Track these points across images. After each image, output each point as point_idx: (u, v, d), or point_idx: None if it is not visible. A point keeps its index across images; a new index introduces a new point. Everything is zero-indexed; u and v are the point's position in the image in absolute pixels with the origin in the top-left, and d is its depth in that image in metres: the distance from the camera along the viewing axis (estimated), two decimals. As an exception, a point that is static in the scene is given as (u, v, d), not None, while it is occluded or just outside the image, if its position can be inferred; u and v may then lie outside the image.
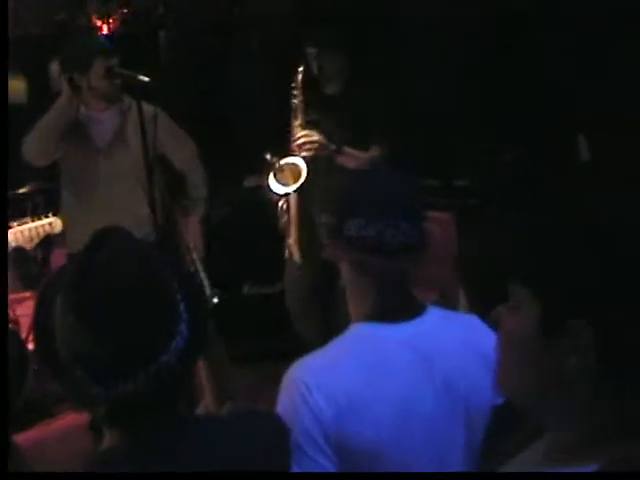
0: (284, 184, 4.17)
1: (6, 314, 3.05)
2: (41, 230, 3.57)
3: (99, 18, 6.78)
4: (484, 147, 5.33)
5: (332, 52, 4.35)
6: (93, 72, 4.16)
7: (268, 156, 4.12)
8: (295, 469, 1.68)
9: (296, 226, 4.24)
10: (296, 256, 4.30)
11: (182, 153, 4.48)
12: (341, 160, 4.21)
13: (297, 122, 4.27)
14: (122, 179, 4.26)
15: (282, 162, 4.16)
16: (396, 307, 1.87)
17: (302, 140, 4.15)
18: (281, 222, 4.39)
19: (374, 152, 4.30)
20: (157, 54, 7.08)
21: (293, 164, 4.15)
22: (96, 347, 1.31)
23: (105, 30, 6.83)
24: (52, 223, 3.61)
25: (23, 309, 5.31)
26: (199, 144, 4.64)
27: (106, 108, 4.29)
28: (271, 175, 4.14)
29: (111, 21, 6.84)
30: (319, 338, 4.35)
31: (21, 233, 3.52)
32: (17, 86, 7.92)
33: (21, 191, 5.07)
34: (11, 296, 5.08)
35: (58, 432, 4.69)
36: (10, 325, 4.83)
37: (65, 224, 4.44)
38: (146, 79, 3.78)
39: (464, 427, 1.79)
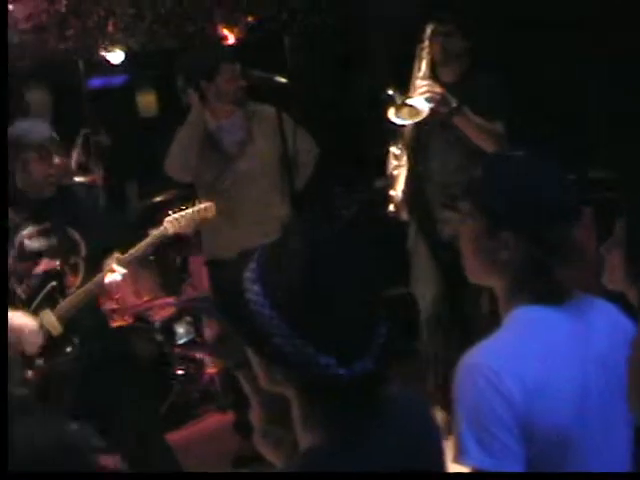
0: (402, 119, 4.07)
1: (6, 314, 3.12)
2: (197, 216, 3.67)
3: (226, 27, 6.91)
4: (622, 136, 5.15)
5: (457, 36, 4.25)
6: (220, 77, 4.24)
7: (390, 91, 4.05)
8: (483, 455, 1.68)
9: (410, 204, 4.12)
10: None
11: (307, 156, 4.48)
12: (458, 121, 4.07)
13: (420, 73, 4.16)
14: (255, 182, 4.32)
15: (405, 100, 4.04)
16: (556, 290, 1.85)
17: (424, 89, 4.01)
18: (396, 199, 4.30)
19: (498, 127, 4.15)
20: (282, 60, 7.17)
21: (414, 104, 4.02)
22: (338, 327, 1.34)
23: (232, 39, 6.95)
24: (207, 208, 3.70)
25: (165, 314, 5.47)
26: (324, 147, 4.65)
27: (232, 114, 4.36)
28: (392, 109, 4.02)
29: (237, 30, 6.96)
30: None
31: (177, 220, 3.62)
32: (148, 100, 8.17)
33: (160, 199, 5.22)
34: (154, 302, 5.25)
35: (204, 433, 4.82)
36: (154, 331, 4.99)
37: (201, 231, 4.55)
38: (283, 80, 3.84)
39: (624, 403, 1.75)
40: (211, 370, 5.24)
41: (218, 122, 4.35)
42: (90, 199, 3.89)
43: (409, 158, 4.27)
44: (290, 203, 4.24)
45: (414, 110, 4.02)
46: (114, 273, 3.54)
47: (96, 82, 7.41)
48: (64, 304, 3.57)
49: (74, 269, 3.64)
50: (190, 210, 3.68)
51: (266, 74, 4.01)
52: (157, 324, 4.98)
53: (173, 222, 3.63)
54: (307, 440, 1.44)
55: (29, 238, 3.59)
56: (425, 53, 4.18)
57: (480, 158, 3.90)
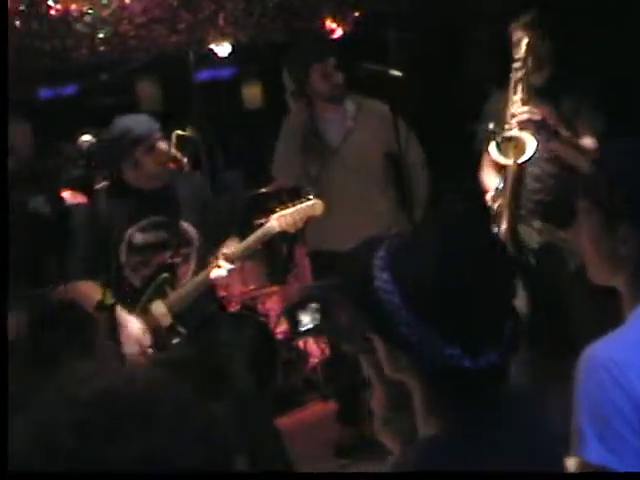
0: (506, 156, 3.92)
1: (6, 314, 3.11)
2: (304, 213, 3.65)
3: (333, 21, 6.95)
4: None
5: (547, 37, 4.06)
6: (314, 74, 4.26)
7: (491, 125, 3.98)
8: (604, 451, 1.67)
9: (509, 211, 4.01)
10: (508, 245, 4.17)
11: (411, 153, 4.42)
12: (554, 145, 3.94)
13: (517, 96, 3.99)
14: (357, 175, 4.32)
15: (508, 134, 3.89)
16: None
17: (525, 116, 3.83)
18: (494, 208, 4.15)
19: (588, 141, 4.01)
20: (387, 55, 7.17)
21: (519, 137, 3.86)
22: (465, 318, 1.35)
23: (338, 33, 6.99)
24: (315, 205, 3.68)
25: (272, 303, 5.56)
26: (428, 143, 4.60)
27: (335, 108, 4.37)
28: (493, 143, 3.91)
29: (344, 24, 6.99)
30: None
31: (284, 217, 3.62)
32: (254, 92, 8.29)
33: (266, 190, 5.28)
34: (261, 290, 5.34)
35: (306, 421, 4.89)
36: (260, 318, 5.07)
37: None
38: (398, 74, 3.82)
39: None
40: (314, 359, 5.30)
41: (322, 115, 4.38)
42: (200, 191, 3.87)
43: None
44: (394, 200, 4.25)
45: (519, 145, 3.87)
46: (220, 269, 3.58)
47: (204, 75, 7.56)
48: (174, 296, 3.63)
49: (186, 260, 3.69)
50: (297, 207, 3.66)
51: (381, 66, 4.01)
52: (272, 312, 5.06)
53: (280, 219, 3.62)
54: (427, 429, 1.45)
55: (141, 231, 3.65)
56: (521, 74, 3.98)
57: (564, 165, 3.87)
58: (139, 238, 3.64)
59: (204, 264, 3.67)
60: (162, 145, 3.63)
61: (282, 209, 3.65)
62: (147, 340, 3.56)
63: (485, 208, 4.08)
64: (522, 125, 3.85)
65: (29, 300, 3.92)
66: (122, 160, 3.61)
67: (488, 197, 4.13)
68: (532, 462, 1.42)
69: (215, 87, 7.75)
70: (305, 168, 4.35)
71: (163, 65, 7.03)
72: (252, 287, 5.29)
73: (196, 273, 3.67)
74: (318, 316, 3.26)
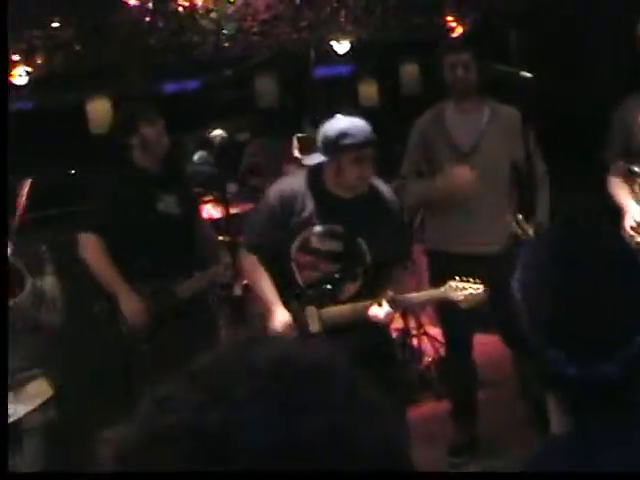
0: None
1: (6, 314, 3.11)
2: (479, 297, 3.43)
3: (454, 19, 6.94)
4: None
5: None
6: (446, 70, 4.21)
7: (637, 168, 3.81)
8: None
9: None
10: None
11: (538, 164, 4.25)
12: None
13: None
14: (484, 182, 4.18)
15: None
16: None
17: None
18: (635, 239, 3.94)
19: None
20: (508, 53, 7.10)
21: None
22: (578, 325, 1.33)
23: (458, 31, 6.97)
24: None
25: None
26: (553, 151, 4.48)
27: (470, 111, 4.26)
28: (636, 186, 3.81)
29: (465, 22, 6.97)
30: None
31: (461, 291, 3.47)
32: (368, 90, 8.32)
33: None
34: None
35: (419, 418, 4.90)
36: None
37: (425, 220, 4.59)
38: (529, 75, 3.72)
39: None
40: (428, 358, 5.31)
41: (455, 117, 4.29)
42: (388, 207, 3.66)
43: None
44: (518, 210, 4.17)
45: None
46: (380, 308, 3.46)
47: (322, 72, 7.64)
48: (331, 310, 3.57)
49: (353, 278, 3.61)
50: (475, 286, 3.47)
51: (511, 68, 3.93)
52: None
53: (457, 293, 3.49)
54: (559, 428, 1.42)
55: (318, 236, 3.55)
56: None
57: None
58: (316, 242, 3.56)
59: (369, 286, 3.59)
60: (369, 161, 3.44)
61: (461, 281, 3.50)
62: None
63: (613, 221, 3.97)
64: None
65: (155, 296, 4.01)
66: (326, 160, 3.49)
67: (628, 224, 3.99)
68: None
69: (332, 84, 7.81)
70: (435, 166, 4.27)
71: (283, 62, 7.14)
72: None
73: (359, 293, 3.59)
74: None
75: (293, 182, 3.64)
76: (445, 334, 4.62)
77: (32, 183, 3.58)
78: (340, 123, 3.45)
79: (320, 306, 3.58)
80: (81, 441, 4.22)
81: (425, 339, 5.39)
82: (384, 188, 3.68)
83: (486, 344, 4.58)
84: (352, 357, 0.81)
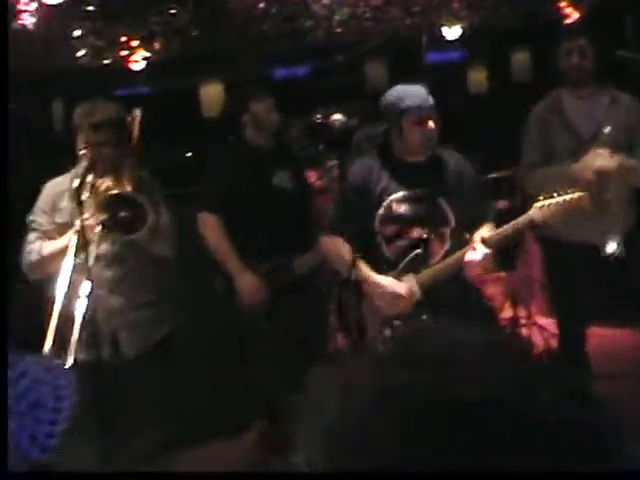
0: None
1: (6, 313, 3.08)
2: (568, 205, 3.45)
3: (568, 5, 6.79)
4: None
5: None
6: (566, 48, 4.11)
7: None
8: None
9: None
10: None
11: None
12: None
13: None
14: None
15: None
16: None
17: None
18: None
19: None
20: (626, 38, 6.91)
21: None
22: None
23: (574, 16, 6.82)
24: (581, 198, 3.44)
25: (496, 288, 5.53)
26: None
27: (591, 97, 4.16)
28: None
29: (579, 7, 6.81)
30: None
31: (548, 208, 3.46)
32: (478, 76, 8.23)
33: (502, 174, 5.23)
34: (487, 276, 5.31)
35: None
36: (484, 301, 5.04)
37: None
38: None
39: None
40: (538, 349, 5.23)
41: (574, 104, 4.20)
42: (460, 168, 3.68)
43: None
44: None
45: None
46: (475, 252, 3.46)
47: (433, 57, 7.59)
48: (427, 272, 3.57)
49: (441, 238, 3.62)
50: (562, 198, 3.42)
51: (630, 53, 3.82)
52: (497, 298, 5.00)
53: (543, 209, 3.41)
54: None
55: (398, 203, 3.59)
56: None
57: None
58: (399, 208, 3.60)
59: (458, 245, 3.63)
60: (431, 123, 3.51)
61: (546, 198, 3.43)
62: (409, 301, 3.57)
63: None
64: None
65: (272, 273, 4.08)
66: (390, 128, 3.60)
67: None
68: None
69: (443, 70, 7.75)
70: (554, 154, 4.19)
71: (395, 47, 7.12)
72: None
73: (448, 253, 3.59)
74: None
75: (366, 158, 3.73)
76: (559, 324, 4.54)
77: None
78: (399, 89, 3.54)
79: (416, 272, 3.57)
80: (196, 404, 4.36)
81: (535, 329, 5.32)
82: (451, 152, 3.71)
83: (602, 336, 4.49)
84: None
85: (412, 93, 3.51)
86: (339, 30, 6.41)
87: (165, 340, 3.50)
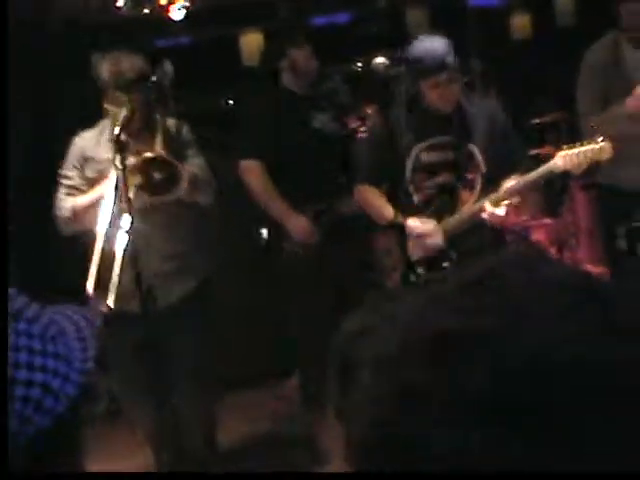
0: None
1: (6, 312, 3.04)
2: (591, 155, 3.45)
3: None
4: None
5: None
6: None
7: None
8: None
9: None
10: None
11: None
12: None
13: None
14: None
15: None
16: None
17: None
18: None
19: None
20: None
21: None
22: None
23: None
24: (604, 148, 3.45)
25: (541, 235, 5.47)
26: None
27: None
28: None
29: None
30: None
31: (570, 157, 3.45)
32: (521, 21, 8.06)
33: (545, 120, 5.15)
34: (532, 222, 5.27)
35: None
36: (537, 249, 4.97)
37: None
38: None
39: None
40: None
41: (636, 56, 4.01)
42: (494, 116, 3.68)
43: None
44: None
45: None
46: (497, 207, 3.48)
47: (475, 2, 7.45)
48: (451, 220, 3.60)
49: (470, 185, 3.63)
50: (585, 147, 3.43)
51: None
52: (541, 245, 4.92)
53: (565, 158, 3.41)
54: None
55: (426, 150, 3.61)
56: None
57: None
58: (426, 156, 3.62)
59: (489, 191, 3.60)
60: (449, 85, 3.48)
61: (569, 148, 3.44)
62: (439, 239, 3.58)
63: None
64: None
65: (319, 215, 4.07)
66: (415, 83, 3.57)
67: None
68: None
69: (486, 16, 7.59)
70: (605, 102, 4.06)
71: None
72: (524, 217, 5.21)
73: (479, 199, 3.60)
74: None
75: (393, 108, 3.74)
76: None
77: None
78: (419, 47, 3.50)
79: (439, 219, 3.60)
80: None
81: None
82: (483, 100, 3.82)
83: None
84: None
85: (430, 54, 3.44)
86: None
87: (200, 289, 3.51)
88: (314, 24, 7.21)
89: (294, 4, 6.73)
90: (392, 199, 3.68)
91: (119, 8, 6.06)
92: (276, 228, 4.05)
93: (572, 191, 5.23)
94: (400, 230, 3.64)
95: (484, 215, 3.52)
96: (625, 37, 4.02)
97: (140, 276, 3.12)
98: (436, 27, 7.42)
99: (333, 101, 4.49)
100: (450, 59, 3.45)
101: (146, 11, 6.22)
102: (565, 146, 3.45)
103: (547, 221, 5.23)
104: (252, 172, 4.07)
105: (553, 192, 5.20)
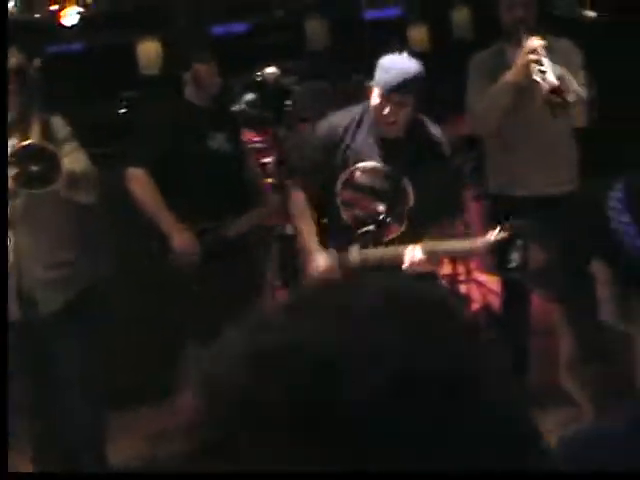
0: None
1: (6, 309, 3.08)
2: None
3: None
4: None
5: None
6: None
7: None
8: None
9: None
10: None
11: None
12: None
13: None
14: (545, 123, 4.10)
15: None
16: None
17: None
18: None
19: None
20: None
21: None
22: None
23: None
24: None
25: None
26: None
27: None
28: None
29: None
30: None
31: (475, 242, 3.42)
32: (418, 34, 8.17)
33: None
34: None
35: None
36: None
37: (487, 165, 4.45)
38: (592, 14, 3.63)
39: None
40: (476, 305, 5.28)
41: (512, 54, 4.16)
42: (427, 150, 3.56)
43: None
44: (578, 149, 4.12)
45: None
46: (415, 254, 3.29)
47: (372, 14, 7.52)
48: (373, 251, 3.48)
49: (398, 219, 3.56)
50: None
51: (572, 5, 3.81)
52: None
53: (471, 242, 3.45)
54: None
55: (363, 172, 3.53)
56: None
57: None
58: (360, 178, 3.54)
59: (416, 229, 3.49)
60: (399, 107, 3.34)
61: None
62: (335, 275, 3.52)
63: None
64: None
65: (203, 235, 4.01)
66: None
67: None
68: None
69: (383, 27, 7.67)
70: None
71: (333, 3, 7.03)
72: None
73: (404, 235, 3.50)
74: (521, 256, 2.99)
75: (344, 116, 3.61)
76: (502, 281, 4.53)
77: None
78: (383, 63, 3.38)
79: (363, 246, 3.51)
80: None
81: (473, 285, 5.36)
82: (434, 131, 3.61)
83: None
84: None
85: (389, 74, 3.32)
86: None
87: (83, 296, 3.44)
88: (212, 33, 7.17)
89: (192, 13, 6.68)
90: (322, 206, 3.63)
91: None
92: (163, 239, 3.98)
93: (464, 202, 5.32)
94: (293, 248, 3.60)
95: (412, 264, 3.32)
96: (509, 44, 4.14)
97: (21, 283, 3.05)
98: (333, 39, 7.52)
99: (232, 116, 4.46)
100: (410, 82, 3.33)
101: (37, 16, 6.07)
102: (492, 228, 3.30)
103: (441, 232, 5.29)
104: (138, 181, 3.98)
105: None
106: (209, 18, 6.86)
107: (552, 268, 1.78)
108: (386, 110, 3.36)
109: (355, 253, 3.49)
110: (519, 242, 1.76)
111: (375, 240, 3.53)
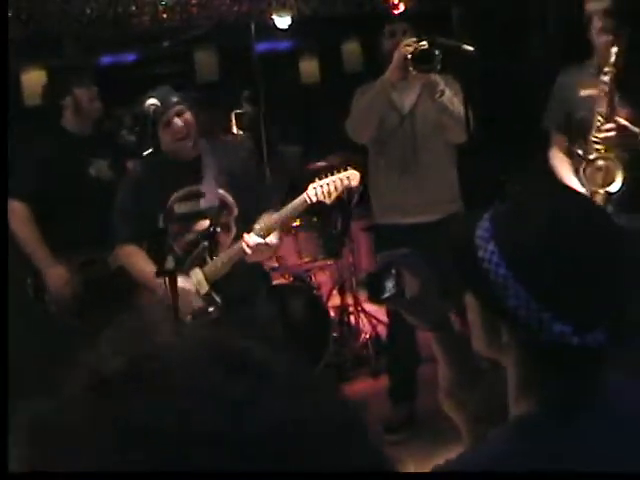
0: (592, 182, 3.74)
1: (6, 313, 3.06)
2: (339, 183, 3.53)
3: (396, -4, 6.87)
4: None
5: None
6: (389, 32, 4.24)
7: (581, 151, 3.77)
8: None
9: None
10: None
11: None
12: None
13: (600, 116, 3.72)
14: (427, 144, 4.24)
15: (597, 162, 3.70)
16: None
17: (611, 133, 3.66)
18: None
19: None
20: (449, 31, 7.09)
21: (607, 166, 3.70)
22: (582, 295, 1.29)
23: (401, 8, 6.92)
24: (351, 176, 3.55)
25: (324, 276, 5.55)
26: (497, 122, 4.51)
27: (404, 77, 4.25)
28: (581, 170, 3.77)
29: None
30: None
31: (320, 188, 3.51)
32: (311, 66, 8.24)
33: (323, 164, 5.22)
34: (314, 264, 5.33)
35: (354, 397, 4.87)
36: (314, 292, 5.06)
37: (372, 192, 4.51)
38: (470, 48, 3.74)
39: None
40: (365, 335, 5.29)
41: (395, 83, 4.26)
42: (243, 160, 3.74)
43: None
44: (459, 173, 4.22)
45: (608, 172, 3.71)
46: (249, 241, 3.49)
47: (263, 46, 7.53)
48: (211, 264, 3.57)
49: (226, 228, 3.63)
50: (333, 177, 3.54)
51: (454, 41, 3.91)
52: (324, 286, 4.99)
53: (316, 189, 3.52)
54: (519, 408, 1.38)
55: (177, 202, 3.58)
56: (608, 88, 3.69)
57: None
58: (180, 207, 3.59)
59: (246, 233, 3.57)
60: (178, 121, 3.51)
61: (320, 179, 3.55)
62: (198, 301, 3.54)
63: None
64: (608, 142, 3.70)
65: (86, 266, 3.92)
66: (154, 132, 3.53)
67: None
68: (622, 457, 1.30)
69: (274, 59, 7.70)
70: (377, 133, 4.30)
71: (223, 35, 7.02)
72: (306, 259, 5.27)
73: (235, 242, 3.60)
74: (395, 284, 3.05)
75: (139, 162, 3.71)
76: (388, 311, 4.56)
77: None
78: (149, 95, 3.52)
79: (202, 265, 3.58)
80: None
81: (362, 316, 5.37)
82: (223, 143, 3.84)
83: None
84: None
85: (159, 97, 3.49)
86: (165, 16, 6.24)
87: None
88: (100, 63, 7.06)
89: (81, 42, 6.56)
90: (154, 252, 3.57)
91: None
92: (39, 276, 3.86)
93: (352, 232, 5.35)
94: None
95: (251, 249, 3.50)
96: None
97: None
98: (223, 69, 7.52)
99: (113, 145, 4.39)
100: (175, 102, 3.52)
101: None
102: (317, 178, 3.54)
103: (329, 262, 5.31)
104: (16, 215, 3.87)
105: (334, 234, 5.30)
106: (98, 48, 6.74)
107: (426, 297, 1.77)
108: (171, 137, 3.52)
109: (199, 276, 3.53)
110: (393, 271, 1.78)
111: (211, 253, 3.60)
